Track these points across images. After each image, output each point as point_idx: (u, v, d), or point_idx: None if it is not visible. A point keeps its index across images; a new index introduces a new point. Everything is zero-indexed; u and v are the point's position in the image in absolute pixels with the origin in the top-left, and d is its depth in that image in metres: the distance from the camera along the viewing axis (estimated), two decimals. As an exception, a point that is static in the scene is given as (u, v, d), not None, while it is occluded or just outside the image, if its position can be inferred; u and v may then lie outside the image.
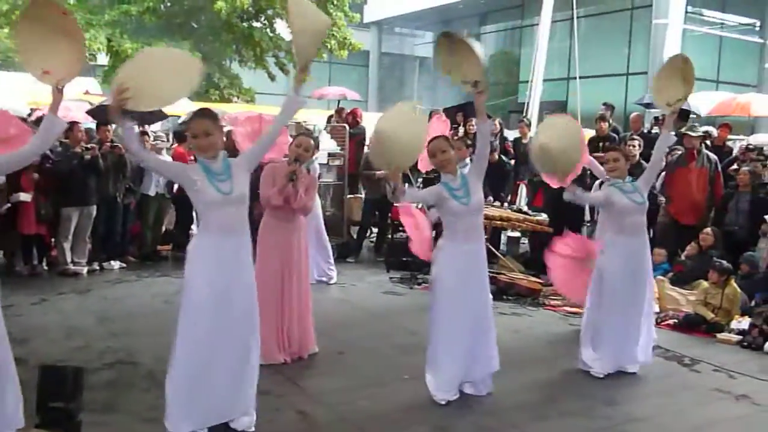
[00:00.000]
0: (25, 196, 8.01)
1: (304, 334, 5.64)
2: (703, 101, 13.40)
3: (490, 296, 5.06)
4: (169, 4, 19.38)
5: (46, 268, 8.60)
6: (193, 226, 9.64)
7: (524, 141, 10.72)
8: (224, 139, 4.12)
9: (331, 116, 12.37)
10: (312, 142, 5.75)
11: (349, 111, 12.02)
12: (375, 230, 11.26)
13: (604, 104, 11.13)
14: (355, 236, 10.79)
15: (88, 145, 8.53)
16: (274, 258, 5.46)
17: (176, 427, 3.87)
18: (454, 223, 4.79)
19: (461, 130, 10.73)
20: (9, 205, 8.03)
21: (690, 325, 6.99)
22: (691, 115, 10.68)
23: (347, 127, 11.30)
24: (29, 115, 11.52)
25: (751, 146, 10.05)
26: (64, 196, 8.26)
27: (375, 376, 5.30)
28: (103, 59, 19.99)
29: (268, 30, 20.39)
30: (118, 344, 5.78)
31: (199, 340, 3.88)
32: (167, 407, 3.90)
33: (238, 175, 3.96)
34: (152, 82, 3.77)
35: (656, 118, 10.71)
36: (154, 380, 4.97)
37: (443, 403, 4.72)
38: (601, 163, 9.09)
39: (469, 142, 8.21)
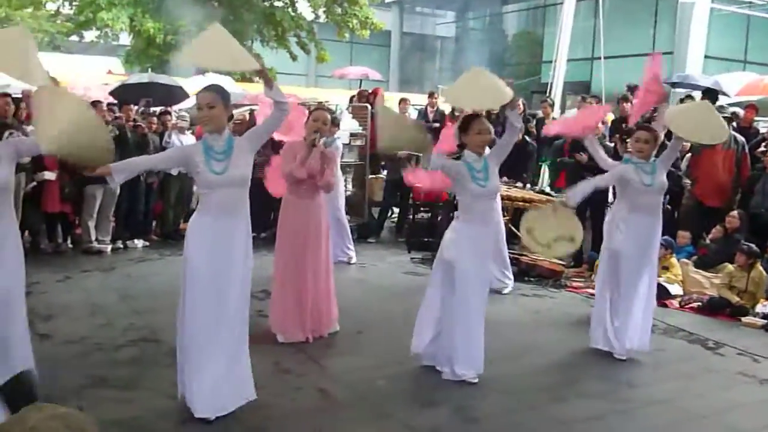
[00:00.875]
0: (49, 175, 8.09)
1: (325, 313, 5.67)
2: (731, 82, 13.17)
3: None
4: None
5: (70, 246, 8.69)
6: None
7: (547, 121, 10.61)
8: (232, 117, 4.13)
9: (353, 97, 12.33)
10: (328, 116, 5.74)
11: (371, 91, 11.97)
12: (396, 210, 11.25)
13: (628, 86, 10.98)
14: (376, 216, 10.79)
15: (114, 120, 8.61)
16: (295, 236, 5.47)
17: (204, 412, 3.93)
18: (469, 205, 4.78)
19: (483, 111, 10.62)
20: (34, 183, 8.12)
21: (714, 308, 6.92)
22: (720, 95, 10.51)
23: (369, 107, 11.25)
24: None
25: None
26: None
27: (394, 356, 5.30)
28: (125, 39, 20.06)
29: (289, 9, 20.31)
30: (141, 322, 5.84)
31: (199, 321, 3.93)
32: (187, 393, 3.99)
33: (239, 156, 3.95)
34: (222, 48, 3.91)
35: (681, 100, 10.54)
36: (177, 357, 5.02)
37: (475, 380, 4.74)
38: (624, 142, 9.02)
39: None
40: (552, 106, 11.27)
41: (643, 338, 5.50)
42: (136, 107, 9.73)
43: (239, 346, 4.09)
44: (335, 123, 8.52)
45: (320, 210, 5.63)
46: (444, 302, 4.86)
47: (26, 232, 8.69)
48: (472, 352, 4.78)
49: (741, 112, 10.01)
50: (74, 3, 18.96)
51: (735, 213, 7.90)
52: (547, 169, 10.68)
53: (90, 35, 19.73)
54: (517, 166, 9.60)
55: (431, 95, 11.92)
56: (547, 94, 12.95)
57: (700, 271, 7.60)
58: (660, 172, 5.48)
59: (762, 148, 8.74)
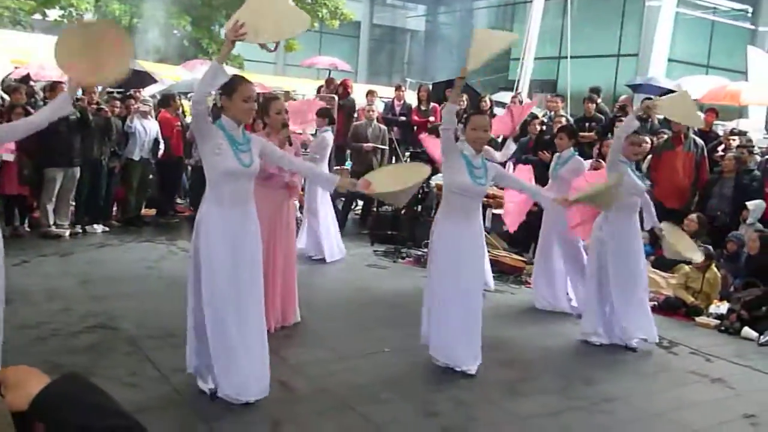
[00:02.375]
0: (8, 156, 7.91)
1: (287, 304, 5.66)
2: (693, 86, 13.40)
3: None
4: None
5: (28, 229, 8.52)
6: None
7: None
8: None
9: (320, 87, 12.28)
10: (284, 102, 5.77)
11: (339, 81, 11.94)
12: (360, 203, 11.25)
13: (591, 89, 11.13)
14: (340, 208, 10.77)
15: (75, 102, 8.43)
16: (264, 227, 5.41)
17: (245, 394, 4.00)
18: (457, 201, 4.84)
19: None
20: (-8, 164, 7.94)
21: (670, 308, 7.07)
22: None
23: (336, 98, 11.22)
24: (11, 73, 11.38)
25: (735, 130, 10.11)
26: (49, 156, 8.16)
27: (356, 348, 5.32)
28: (90, 19, 19.68)
29: None
30: (100, 308, 5.76)
31: (227, 311, 3.94)
32: (221, 385, 4.01)
33: (255, 150, 4.03)
34: (267, 19, 3.97)
35: (643, 101, 10.71)
36: (135, 345, 4.98)
37: (473, 372, 4.84)
38: (587, 144, 9.16)
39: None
40: (520, 102, 11.35)
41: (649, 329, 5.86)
42: (99, 90, 9.56)
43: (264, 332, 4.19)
44: (324, 114, 8.49)
45: (288, 200, 5.64)
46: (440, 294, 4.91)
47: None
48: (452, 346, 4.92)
49: (701, 116, 10.19)
50: (37, -20, 18.57)
51: (693, 216, 8.06)
52: (512, 166, 10.75)
53: (54, 14, 19.33)
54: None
55: (398, 88, 11.93)
56: (515, 91, 13.05)
57: (658, 271, 7.75)
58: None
59: (720, 152, 8.94)
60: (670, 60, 19.44)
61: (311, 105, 8.78)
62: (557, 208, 5.45)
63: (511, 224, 7.48)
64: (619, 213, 5.69)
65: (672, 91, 10.76)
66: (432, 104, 11.14)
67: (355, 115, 11.46)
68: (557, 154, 7.07)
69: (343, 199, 10.72)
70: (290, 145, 5.44)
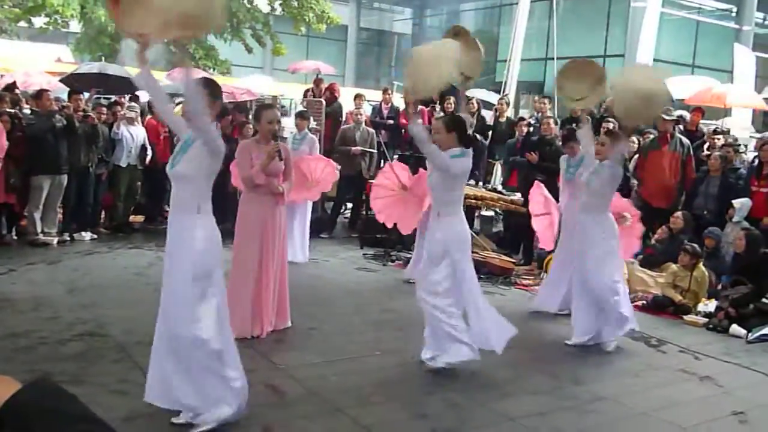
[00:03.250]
0: (-7, 164, 7.88)
1: (280, 309, 5.65)
2: (678, 86, 13.48)
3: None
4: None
5: (15, 237, 8.47)
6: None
7: (501, 120, 10.74)
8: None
9: (307, 90, 12.28)
10: (278, 113, 5.73)
11: (327, 85, 11.94)
12: (350, 206, 11.25)
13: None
14: (329, 212, 10.78)
15: (61, 110, 8.43)
16: (257, 232, 5.41)
17: None
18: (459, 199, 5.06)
19: (437, 107, 10.70)
20: (-23, 173, 7.89)
21: (658, 306, 7.11)
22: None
23: (324, 103, 11.23)
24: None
25: (718, 129, 10.18)
26: (35, 164, 8.12)
27: (346, 351, 5.32)
28: (75, 26, 19.60)
29: (245, 1, 20.11)
30: (88, 315, 5.74)
31: None
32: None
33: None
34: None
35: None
36: (124, 351, 4.96)
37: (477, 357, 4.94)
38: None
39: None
40: (508, 104, 11.40)
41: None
42: (86, 96, 9.54)
43: None
44: (305, 117, 8.49)
45: (280, 207, 5.60)
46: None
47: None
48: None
49: (687, 115, 10.29)
50: (21, -13, 18.46)
51: (679, 214, 8.10)
52: (499, 168, 10.81)
53: (39, 21, 19.23)
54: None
55: (386, 91, 11.94)
56: (502, 93, 13.08)
57: (646, 270, 7.78)
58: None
59: (706, 152, 9.00)
60: (655, 60, 19.52)
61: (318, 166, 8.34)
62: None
63: (547, 242, 7.71)
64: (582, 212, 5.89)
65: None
66: (419, 107, 11.14)
67: (342, 119, 11.46)
68: (564, 156, 7.05)
69: (332, 202, 10.74)
70: (280, 159, 5.34)
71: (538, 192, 7.65)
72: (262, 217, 5.42)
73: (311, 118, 9.65)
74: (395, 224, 7.84)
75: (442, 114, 10.19)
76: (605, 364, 5.51)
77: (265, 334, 5.45)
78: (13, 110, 8.32)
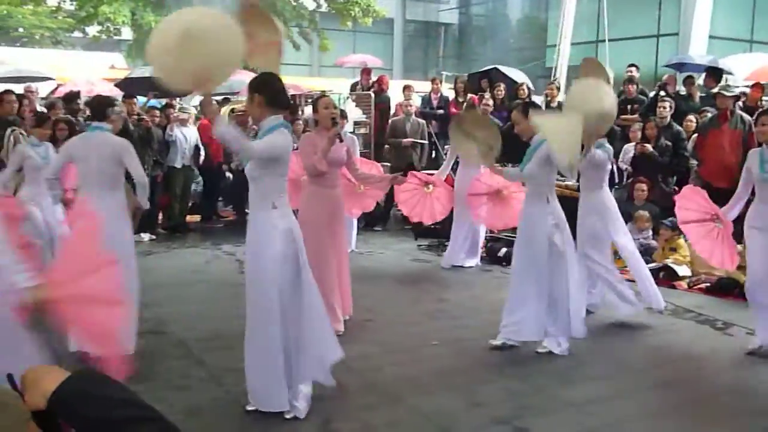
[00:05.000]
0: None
1: (344, 300, 5.64)
2: (737, 62, 13.05)
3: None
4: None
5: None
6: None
7: (553, 105, 10.55)
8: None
9: (354, 84, 12.28)
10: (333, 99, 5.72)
11: (376, 78, 11.91)
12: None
13: (629, 66, 10.94)
14: (382, 204, 10.76)
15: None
16: (320, 226, 5.27)
17: None
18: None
19: (487, 95, 10.58)
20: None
21: (723, 288, 6.89)
22: (725, 74, 10.42)
23: (372, 95, 11.22)
24: (55, 90, 11.63)
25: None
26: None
27: (402, 343, 5.31)
28: (127, 33, 20.04)
29: (292, 0, 20.27)
30: (149, 314, 5.82)
31: None
32: None
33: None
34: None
35: (684, 79, 10.48)
36: (185, 348, 5.05)
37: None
38: (629, 127, 8.97)
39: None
40: (558, 89, 11.20)
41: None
42: (144, 99, 9.73)
43: None
44: (344, 116, 8.46)
45: (341, 198, 5.59)
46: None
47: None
48: None
49: (747, 91, 9.92)
50: (74, -1, 18.97)
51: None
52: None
53: (92, 30, 19.72)
54: (521, 150, 9.58)
55: (434, 81, 11.87)
56: (552, 78, 12.87)
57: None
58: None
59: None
60: (711, 37, 18.97)
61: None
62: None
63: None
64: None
65: (718, 69, 10.52)
66: (469, 95, 11.05)
67: (392, 111, 11.44)
68: (757, 149, 5.33)
69: (384, 195, 10.71)
70: (341, 141, 5.32)
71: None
72: (327, 209, 5.35)
73: (349, 115, 9.60)
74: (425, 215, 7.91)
75: (491, 102, 10.09)
76: (667, 348, 5.36)
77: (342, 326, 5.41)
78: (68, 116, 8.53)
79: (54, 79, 12.59)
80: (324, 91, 10.29)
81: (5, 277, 2.75)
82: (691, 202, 5.56)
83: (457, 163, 8.23)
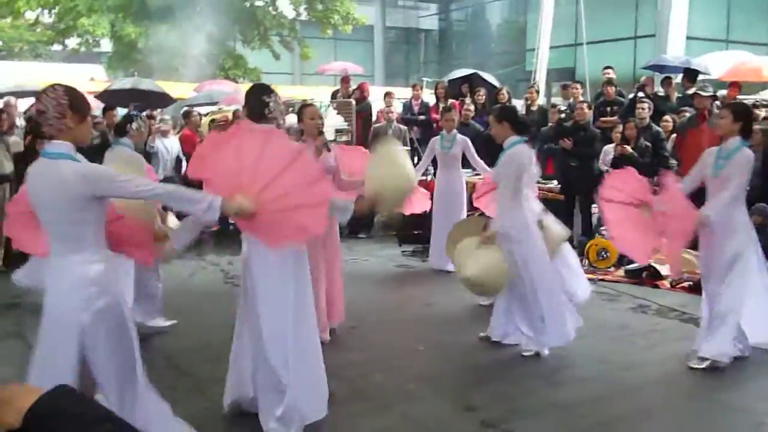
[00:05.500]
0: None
1: (337, 309, 5.62)
2: (713, 62, 13.20)
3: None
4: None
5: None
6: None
7: (533, 108, 10.62)
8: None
9: (335, 91, 12.29)
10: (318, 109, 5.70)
11: (356, 85, 11.93)
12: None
13: (605, 68, 11.05)
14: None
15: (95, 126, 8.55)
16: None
17: None
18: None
19: (468, 100, 10.63)
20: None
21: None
22: (700, 75, 10.53)
23: (353, 102, 11.24)
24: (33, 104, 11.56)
25: (758, 102, 9.91)
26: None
27: (389, 349, 5.31)
28: (107, 45, 19.96)
29: (270, 8, 20.27)
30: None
31: None
32: None
33: None
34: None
35: (662, 81, 10.58)
36: (171, 359, 5.03)
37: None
38: (609, 129, 9.03)
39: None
40: (537, 92, 11.27)
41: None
42: (124, 111, 9.66)
43: None
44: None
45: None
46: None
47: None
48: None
49: (723, 90, 10.05)
50: (54, 11, 18.86)
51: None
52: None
53: (71, 42, 19.64)
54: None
55: (415, 87, 11.91)
56: (532, 81, 12.95)
57: (690, 251, 7.61)
58: None
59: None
60: (688, 38, 19.15)
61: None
62: None
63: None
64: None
65: (694, 70, 10.62)
66: (450, 101, 11.09)
67: (373, 118, 11.45)
68: (715, 147, 5.19)
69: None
70: (328, 150, 5.30)
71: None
72: None
73: (330, 123, 9.58)
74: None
75: (473, 107, 10.15)
76: (656, 347, 5.40)
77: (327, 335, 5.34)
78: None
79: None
80: (306, 100, 10.30)
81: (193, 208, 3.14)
82: (625, 183, 5.23)
83: (435, 165, 8.27)
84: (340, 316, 5.71)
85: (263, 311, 3.69)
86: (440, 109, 10.95)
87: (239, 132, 3.55)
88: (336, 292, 5.64)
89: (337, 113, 10.73)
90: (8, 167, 7.73)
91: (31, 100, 10.60)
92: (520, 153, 5.06)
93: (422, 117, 11.26)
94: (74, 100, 3.02)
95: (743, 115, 4.95)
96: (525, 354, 5.12)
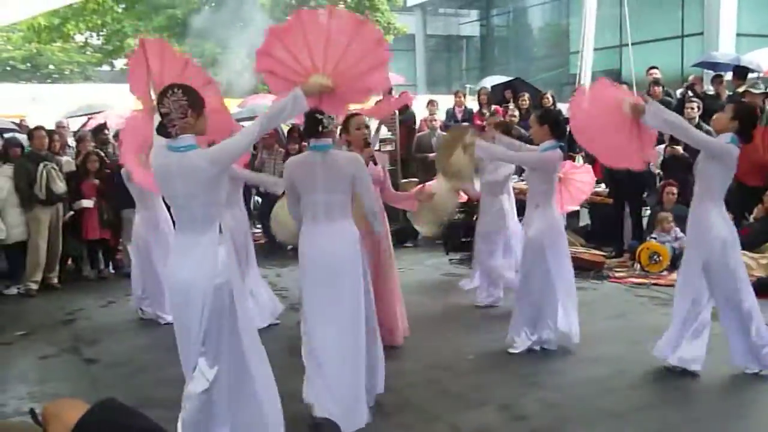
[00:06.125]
0: (87, 203, 8.24)
1: (394, 326, 5.44)
2: (764, 57, 12.84)
3: None
4: (213, 4, 19.63)
5: (112, 271, 8.79)
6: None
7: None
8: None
9: (378, 101, 12.29)
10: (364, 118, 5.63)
11: (398, 94, 11.92)
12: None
13: (649, 68, 10.85)
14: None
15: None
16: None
17: None
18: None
19: (512, 106, 10.55)
20: (72, 212, 8.27)
21: (763, 289, 6.72)
22: (751, 73, 10.27)
23: (397, 113, 11.24)
24: (85, 124, 11.84)
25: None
26: (124, 198, 8.40)
27: (438, 357, 5.27)
28: (154, 64, 20.35)
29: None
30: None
31: None
32: None
33: None
34: None
35: (712, 79, 10.34)
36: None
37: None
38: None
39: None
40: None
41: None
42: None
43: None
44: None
45: (383, 219, 5.32)
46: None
47: (69, 260, 8.86)
48: None
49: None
50: (101, 33, 19.36)
51: (769, 192, 7.74)
52: (581, 160, 10.54)
53: (120, 63, 20.13)
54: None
55: (457, 94, 11.87)
56: (576, 84, 12.78)
57: (746, 252, 7.41)
58: None
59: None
60: (738, 35, 18.71)
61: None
62: None
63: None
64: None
65: (744, 68, 10.36)
66: (493, 106, 11.03)
67: (417, 126, 11.45)
68: None
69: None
70: (375, 164, 5.22)
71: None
72: (364, 231, 5.19)
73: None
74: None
75: (517, 112, 10.08)
76: (712, 352, 5.24)
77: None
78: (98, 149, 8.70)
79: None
80: (353, 111, 10.33)
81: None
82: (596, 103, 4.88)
83: None
84: (401, 332, 5.56)
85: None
86: (483, 115, 10.93)
87: (300, 20, 3.87)
88: (392, 305, 5.45)
89: (382, 123, 10.72)
90: (61, 187, 7.92)
91: (64, 120, 10.91)
92: (552, 158, 5.15)
93: (466, 124, 11.20)
94: (191, 98, 3.32)
95: (742, 115, 4.69)
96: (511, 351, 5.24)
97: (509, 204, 6.83)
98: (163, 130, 3.31)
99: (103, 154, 8.65)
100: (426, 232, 6.29)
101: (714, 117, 5.04)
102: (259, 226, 11.07)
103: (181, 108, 3.28)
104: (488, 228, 6.71)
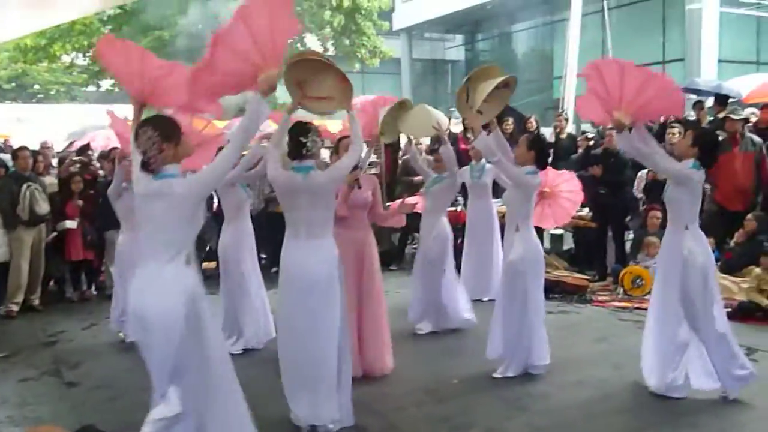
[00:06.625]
0: (70, 224, 8.19)
1: (378, 354, 5.39)
2: (744, 84, 13.05)
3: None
4: (200, 26, 19.68)
5: (95, 292, 8.72)
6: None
7: (562, 136, 10.59)
8: None
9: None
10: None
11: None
12: (417, 236, 11.20)
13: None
14: (397, 243, 10.76)
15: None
16: (348, 269, 4.83)
17: None
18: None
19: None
20: (55, 233, 8.21)
21: (744, 313, 6.79)
22: (731, 99, 10.42)
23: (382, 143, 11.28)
24: (70, 144, 11.81)
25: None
26: (107, 219, 8.37)
27: (423, 381, 5.26)
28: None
29: (298, 44, 20.54)
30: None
31: None
32: None
33: None
34: None
35: (693, 104, 10.49)
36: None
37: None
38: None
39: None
40: (566, 120, 11.24)
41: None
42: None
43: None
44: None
45: (368, 240, 5.39)
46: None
47: (51, 281, 8.78)
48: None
49: (757, 112, 9.90)
50: (88, 54, 19.34)
51: (751, 215, 7.84)
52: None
53: (106, 84, 20.10)
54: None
55: (442, 119, 11.92)
56: (560, 109, 12.93)
57: (728, 276, 7.49)
58: None
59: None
60: (720, 61, 19.03)
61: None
62: None
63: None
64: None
65: (722, 95, 10.51)
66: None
67: (401, 150, 11.48)
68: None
69: (399, 233, 10.73)
70: (359, 188, 5.21)
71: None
72: (350, 252, 5.08)
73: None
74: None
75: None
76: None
77: (363, 374, 5.23)
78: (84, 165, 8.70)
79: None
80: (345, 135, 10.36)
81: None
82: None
83: (466, 196, 8.28)
84: (386, 363, 5.46)
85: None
86: (468, 139, 10.99)
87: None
88: (379, 335, 5.42)
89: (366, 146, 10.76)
90: (45, 208, 7.87)
91: (48, 140, 10.88)
92: (529, 182, 5.22)
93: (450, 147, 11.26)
94: (163, 130, 3.33)
95: (701, 142, 4.76)
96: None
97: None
98: (146, 168, 3.32)
99: (93, 171, 8.64)
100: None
101: (675, 143, 5.18)
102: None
103: (155, 144, 3.30)
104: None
